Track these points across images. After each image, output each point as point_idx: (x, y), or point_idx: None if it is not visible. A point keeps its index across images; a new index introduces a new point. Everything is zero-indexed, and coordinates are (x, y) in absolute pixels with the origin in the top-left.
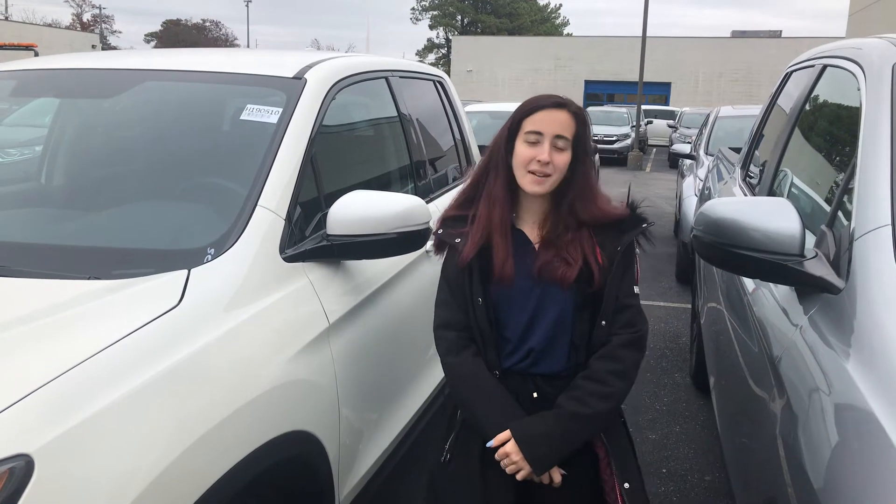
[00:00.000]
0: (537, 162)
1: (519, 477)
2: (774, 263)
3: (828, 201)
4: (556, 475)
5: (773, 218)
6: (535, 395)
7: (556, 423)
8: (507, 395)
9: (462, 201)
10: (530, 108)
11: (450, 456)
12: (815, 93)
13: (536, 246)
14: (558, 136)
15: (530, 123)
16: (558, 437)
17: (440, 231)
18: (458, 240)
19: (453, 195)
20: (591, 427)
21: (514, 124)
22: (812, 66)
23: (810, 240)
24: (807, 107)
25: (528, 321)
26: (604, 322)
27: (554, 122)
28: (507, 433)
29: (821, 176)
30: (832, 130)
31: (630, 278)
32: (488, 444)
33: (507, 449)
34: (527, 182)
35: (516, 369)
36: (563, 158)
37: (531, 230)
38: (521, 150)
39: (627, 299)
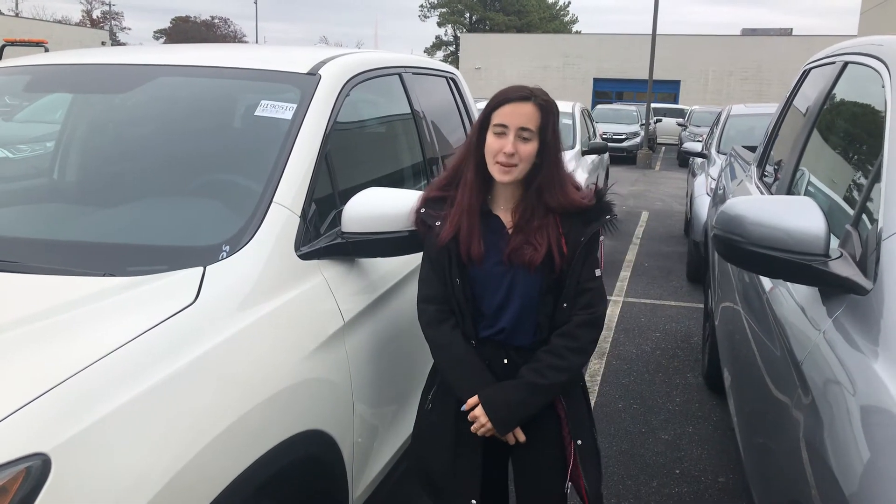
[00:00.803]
0: (503, 154)
1: (487, 436)
2: (799, 263)
3: (849, 200)
4: (521, 436)
5: (797, 216)
6: (505, 361)
7: (517, 390)
8: (479, 363)
9: (443, 183)
10: (498, 101)
11: (431, 406)
12: (835, 90)
13: (510, 231)
14: (523, 128)
15: (498, 116)
16: (519, 402)
17: (422, 211)
18: (437, 223)
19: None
20: (547, 395)
21: (485, 116)
22: (833, 62)
23: (833, 240)
24: (827, 104)
25: (501, 302)
26: (565, 304)
27: (518, 114)
28: (475, 398)
29: (842, 174)
30: (854, 128)
31: (591, 264)
32: (462, 409)
33: (476, 413)
34: (495, 171)
35: (491, 340)
36: (528, 148)
37: (505, 216)
38: (490, 142)
39: (588, 283)
